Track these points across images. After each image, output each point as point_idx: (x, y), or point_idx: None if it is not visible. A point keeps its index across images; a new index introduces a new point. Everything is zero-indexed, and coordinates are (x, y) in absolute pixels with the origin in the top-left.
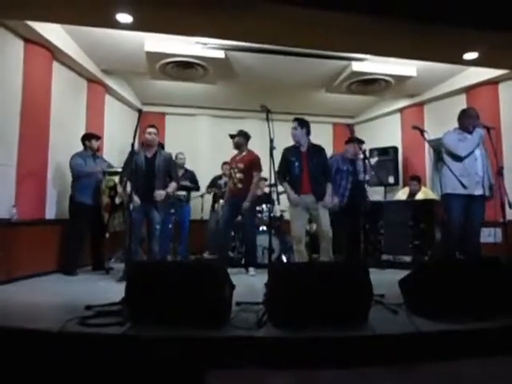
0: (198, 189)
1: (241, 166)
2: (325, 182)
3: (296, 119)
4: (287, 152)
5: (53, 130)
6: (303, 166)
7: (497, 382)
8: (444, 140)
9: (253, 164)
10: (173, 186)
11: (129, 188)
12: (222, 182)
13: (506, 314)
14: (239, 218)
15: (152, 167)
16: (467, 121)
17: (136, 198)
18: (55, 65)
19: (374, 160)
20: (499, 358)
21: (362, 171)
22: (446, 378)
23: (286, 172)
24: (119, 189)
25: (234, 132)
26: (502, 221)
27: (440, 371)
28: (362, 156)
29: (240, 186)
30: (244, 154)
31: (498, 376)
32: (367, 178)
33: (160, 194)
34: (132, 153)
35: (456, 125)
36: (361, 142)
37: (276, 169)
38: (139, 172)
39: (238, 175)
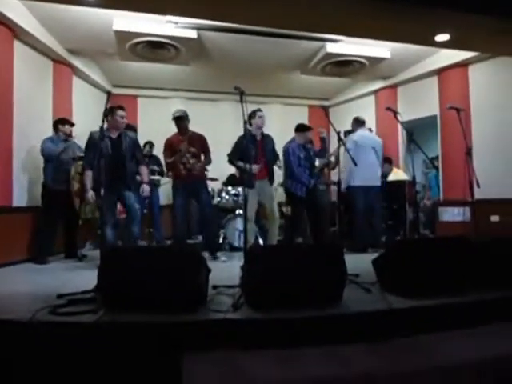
0: (162, 173)
1: (193, 150)
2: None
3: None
4: (243, 140)
5: (17, 113)
6: (259, 153)
7: (467, 353)
8: None
9: (205, 146)
10: (146, 171)
11: (88, 183)
12: None
13: (474, 290)
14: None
15: (119, 149)
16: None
17: (91, 193)
18: (17, 44)
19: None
20: (469, 331)
21: (314, 156)
22: (418, 351)
23: (238, 156)
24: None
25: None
26: (471, 200)
27: (412, 345)
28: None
29: (195, 171)
30: (189, 134)
31: (468, 347)
32: (317, 163)
33: (146, 189)
34: (89, 137)
35: (427, 106)
36: (309, 128)
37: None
38: (106, 156)
39: (192, 160)
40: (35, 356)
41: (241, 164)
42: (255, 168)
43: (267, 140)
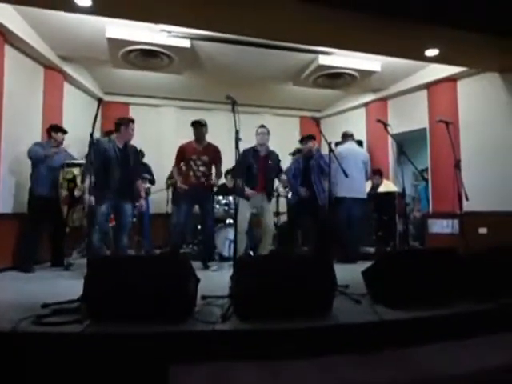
0: (153, 182)
1: (205, 158)
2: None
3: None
4: (247, 154)
5: (6, 118)
6: (260, 169)
7: (461, 364)
8: None
9: (218, 157)
10: (142, 187)
11: (86, 183)
12: None
13: (463, 301)
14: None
15: (127, 158)
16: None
17: (91, 198)
18: (8, 49)
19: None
20: (462, 342)
21: (317, 166)
22: (407, 363)
23: (242, 171)
24: (79, 181)
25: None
26: (459, 212)
27: (401, 357)
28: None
29: (203, 179)
30: (205, 145)
31: (462, 358)
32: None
33: (143, 205)
34: (96, 144)
35: (417, 119)
36: (303, 139)
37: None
38: (113, 164)
39: (202, 168)
40: (17, 368)
41: (239, 183)
42: (251, 193)
43: (272, 157)
